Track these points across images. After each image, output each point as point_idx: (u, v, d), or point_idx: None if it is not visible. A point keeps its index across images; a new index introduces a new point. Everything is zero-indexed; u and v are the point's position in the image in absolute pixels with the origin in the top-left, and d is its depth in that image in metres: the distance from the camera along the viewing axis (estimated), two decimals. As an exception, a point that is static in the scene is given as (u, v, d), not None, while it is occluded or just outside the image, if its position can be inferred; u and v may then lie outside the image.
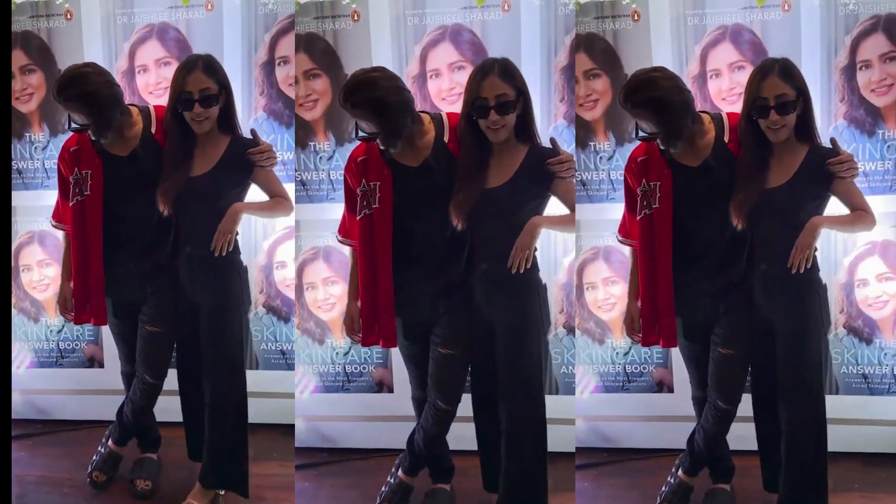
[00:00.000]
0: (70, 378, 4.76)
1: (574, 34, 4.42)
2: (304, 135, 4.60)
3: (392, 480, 4.04)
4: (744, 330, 3.79)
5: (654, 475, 4.25)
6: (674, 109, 3.61)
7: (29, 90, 4.79)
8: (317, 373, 4.64)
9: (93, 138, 3.94)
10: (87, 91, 3.84)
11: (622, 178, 3.85)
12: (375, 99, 3.63)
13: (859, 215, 3.70)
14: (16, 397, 4.83)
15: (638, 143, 3.77)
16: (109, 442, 4.27)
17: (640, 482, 4.32)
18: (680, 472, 4.00)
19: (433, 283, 3.83)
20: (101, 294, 4.02)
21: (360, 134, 3.70)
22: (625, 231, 3.89)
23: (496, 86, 3.63)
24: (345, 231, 3.91)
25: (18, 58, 4.73)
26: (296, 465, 4.42)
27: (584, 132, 4.54)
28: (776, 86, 3.57)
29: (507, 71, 3.67)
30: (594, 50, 4.48)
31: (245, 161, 3.92)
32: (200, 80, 3.84)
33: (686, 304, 3.80)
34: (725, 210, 3.70)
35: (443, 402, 3.85)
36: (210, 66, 3.88)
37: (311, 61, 4.56)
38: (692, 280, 3.78)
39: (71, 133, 3.94)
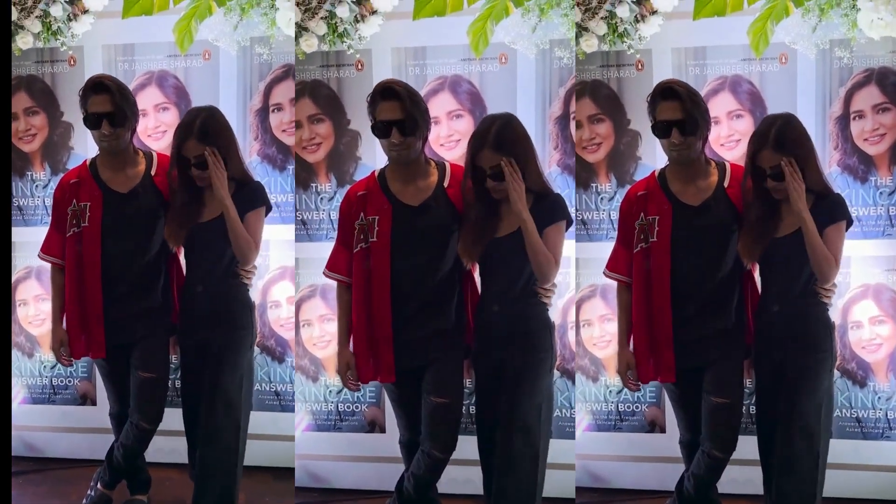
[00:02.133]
0: (62, 415, 4.75)
1: (568, 86, 4.50)
2: (306, 176, 4.67)
3: None
4: (737, 377, 3.81)
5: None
6: (698, 100, 3.75)
7: (32, 131, 4.91)
8: (310, 411, 4.65)
9: (104, 132, 4.00)
10: (115, 81, 4.07)
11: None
12: (410, 89, 3.81)
13: (828, 258, 3.66)
14: (5, 436, 4.93)
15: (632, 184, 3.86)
16: (98, 485, 4.24)
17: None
18: None
19: (424, 327, 3.84)
20: (100, 325, 4.05)
21: (378, 122, 3.77)
22: (614, 265, 3.91)
23: (489, 158, 3.71)
24: (333, 266, 3.94)
25: (23, 100, 4.87)
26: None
27: (586, 173, 4.62)
28: (769, 158, 3.65)
29: (500, 141, 3.73)
30: (598, 96, 4.58)
31: (247, 201, 4.00)
32: (194, 147, 3.93)
33: (676, 347, 3.80)
34: (718, 253, 3.78)
35: (438, 450, 3.83)
36: (203, 131, 3.96)
37: (315, 106, 4.67)
38: (682, 322, 3.80)
39: (88, 128, 4.03)
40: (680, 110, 3.73)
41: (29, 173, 4.88)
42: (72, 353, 4.11)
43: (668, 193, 3.81)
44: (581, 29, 4.54)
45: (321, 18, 4.60)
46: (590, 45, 4.54)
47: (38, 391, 4.93)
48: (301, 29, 4.63)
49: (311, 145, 4.69)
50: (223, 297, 4.03)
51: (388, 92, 3.78)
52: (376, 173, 3.92)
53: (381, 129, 3.79)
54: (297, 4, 4.61)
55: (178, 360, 4.11)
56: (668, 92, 3.75)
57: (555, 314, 4.40)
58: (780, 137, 3.67)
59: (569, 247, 4.16)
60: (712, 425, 3.78)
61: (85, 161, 4.18)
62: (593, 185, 4.59)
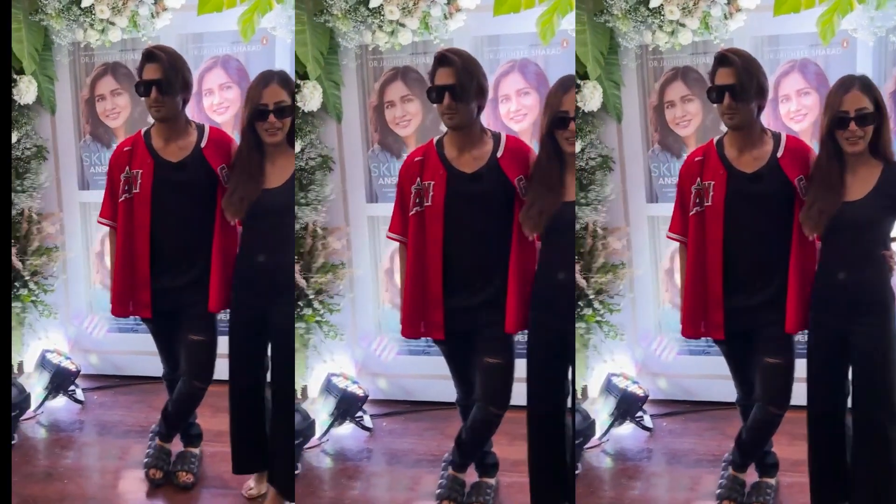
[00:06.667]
0: (144, 342, 4.69)
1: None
2: (398, 147, 5.15)
3: (444, 480, 4.13)
4: (788, 338, 3.78)
5: (727, 421, 4.65)
6: (753, 68, 3.68)
7: (117, 109, 5.40)
8: (402, 339, 4.69)
9: (153, 98, 3.98)
10: (169, 51, 4.07)
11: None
12: (468, 57, 3.81)
13: None
14: (94, 359, 5.51)
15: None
16: (156, 440, 4.31)
17: (716, 426, 4.87)
18: (730, 470, 4.06)
19: (474, 294, 3.85)
20: (147, 288, 4.05)
21: (434, 87, 3.76)
22: (673, 227, 3.91)
23: (571, 102, 3.74)
24: (393, 227, 3.95)
25: (109, 83, 5.40)
26: (385, 413, 5.08)
27: (678, 144, 5.07)
28: (857, 99, 3.57)
29: (866, 85, 3.62)
30: (689, 79, 5.00)
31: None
32: (276, 92, 3.88)
33: (727, 307, 3.79)
34: (769, 220, 3.74)
35: (495, 407, 3.89)
36: (284, 80, 3.93)
37: (406, 88, 5.10)
38: (733, 285, 3.78)
39: (140, 95, 4.06)
40: (733, 76, 3.65)
41: (114, 145, 4.95)
42: (112, 310, 4.12)
43: (724, 160, 3.76)
44: (679, 25, 4.83)
45: (416, 17, 4.92)
46: (685, 38, 4.83)
47: (124, 322, 5.34)
48: (399, 25, 4.93)
49: (402, 121, 5.09)
50: (284, 267, 3.96)
51: (444, 59, 3.75)
52: (434, 140, 3.89)
53: (435, 94, 3.75)
54: (396, 5, 4.90)
55: (229, 330, 4.06)
56: (724, 59, 3.68)
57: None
58: (866, 82, 3.60)
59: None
60: (766, 385, 3.80)
61: (140, 130, 4.16)
62: (684, 154, 4.92)
